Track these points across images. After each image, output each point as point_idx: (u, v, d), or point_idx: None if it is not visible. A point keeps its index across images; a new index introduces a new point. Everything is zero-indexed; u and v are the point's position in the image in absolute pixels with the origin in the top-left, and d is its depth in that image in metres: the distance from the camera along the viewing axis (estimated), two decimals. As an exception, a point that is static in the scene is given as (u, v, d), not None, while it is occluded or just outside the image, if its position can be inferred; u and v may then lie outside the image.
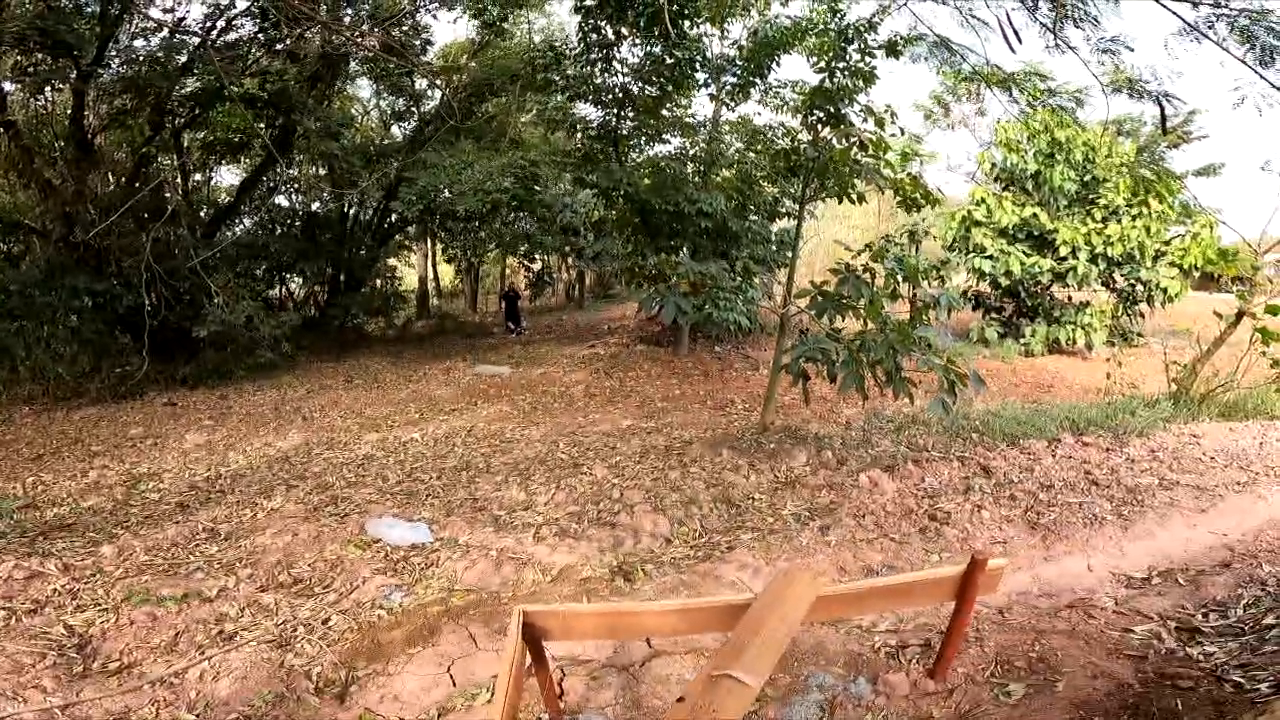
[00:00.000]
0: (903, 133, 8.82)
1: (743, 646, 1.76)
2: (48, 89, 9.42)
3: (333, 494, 5.02)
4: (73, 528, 4.54)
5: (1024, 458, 5.15)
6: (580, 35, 9.60)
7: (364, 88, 14.54)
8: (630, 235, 10.95)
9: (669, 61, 9.40)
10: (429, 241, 17.61)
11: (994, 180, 12.88)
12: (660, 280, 10.01)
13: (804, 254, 7.71)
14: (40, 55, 8.46)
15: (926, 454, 5.42)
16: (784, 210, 11.36)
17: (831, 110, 6.02)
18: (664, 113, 10.71)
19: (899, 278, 5.37)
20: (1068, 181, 11.21)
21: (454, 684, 2.72)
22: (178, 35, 9.26)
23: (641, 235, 10.53)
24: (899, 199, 6.33)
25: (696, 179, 10.74)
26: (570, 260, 16.46)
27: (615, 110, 10.37)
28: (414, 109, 13.94)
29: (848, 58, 5.91)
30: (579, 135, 11.43)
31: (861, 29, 5.88)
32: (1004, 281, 11.71)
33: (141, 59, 9.15)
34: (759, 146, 10.36)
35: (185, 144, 11.10)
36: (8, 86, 8.96)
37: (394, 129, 15.01)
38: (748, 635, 1.81)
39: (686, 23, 9.14)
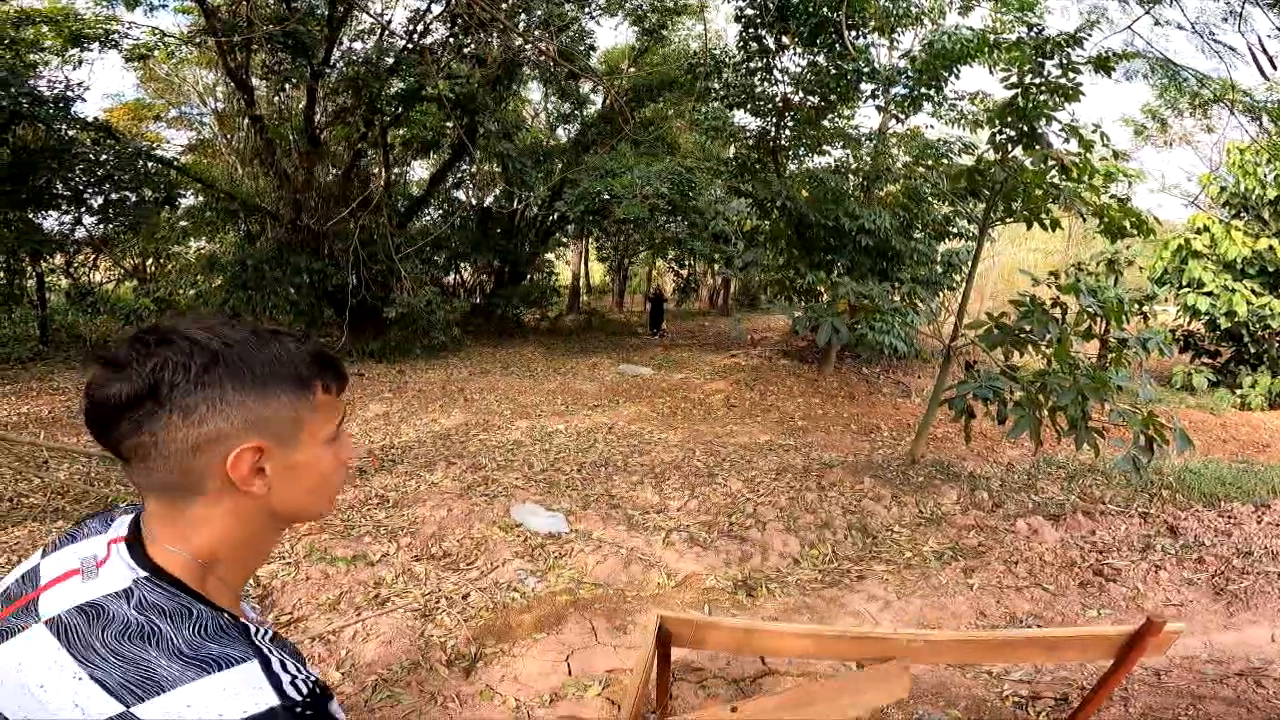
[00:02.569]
0: (1115, 156, 7.86)
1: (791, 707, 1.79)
2: (287, 86, 11.07)
3: (484, 474, 5.44)
4: None
5: (1222, 521, 4.50)
6: (740, 43, 9.59)
7: (534, 91, 15.54)
8: (784, 248, 10.77)
9: (833, 72, 9.13)
10: (584, 240, 18.47)
11: (1221, 206, 11.07)
12: (811, 296, 9.81)
13: (977, 278, 7.10)
14: (282, 55, 9.96)
15: (1101, 506, 4.88)
16: (955, 230, 10.58)
17: (1024, 129, 5.51)
18: (825, 123, 10.42)
19: (1094, 313, 4.82)
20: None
21: (570, 672, 2.84)
22: (386, 39, 10.50)
23: (796, 249, 10.32)
24: (1101, 226, 5.65)
25: (858, 194, 10.33)
26: (718, 268, 16.50)
27: (774, 120, 10.25)
28: (578, 113, 14.68)
29: (1045, 73, 5.37)
30: (735, 144, 11.43)
31: (1063, 43, 5.32)
32: (1224, 323, 10.04)
33: (359, 60, 10.43)
34: (930, 161, 9.75)
35: (389, 140, 12.43)
36: (256, 83, 10.65)
37: (559, 131, 15.91)
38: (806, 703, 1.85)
39: (853, 33, 8.83)
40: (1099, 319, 5.08)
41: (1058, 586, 3.76)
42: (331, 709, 0.68)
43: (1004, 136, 5.63)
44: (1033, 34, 5.64)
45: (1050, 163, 5.41)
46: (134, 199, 10.57)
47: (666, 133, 13.59)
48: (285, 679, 0.64)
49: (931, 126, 10.74)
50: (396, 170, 14.08)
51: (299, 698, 0.63)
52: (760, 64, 9.73)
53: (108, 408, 0.61)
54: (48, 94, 8.90)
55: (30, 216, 9.76)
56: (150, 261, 15.37)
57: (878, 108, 10.34)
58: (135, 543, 0.69)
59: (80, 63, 10.08)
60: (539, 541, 4.16)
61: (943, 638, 2.28)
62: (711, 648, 2.71)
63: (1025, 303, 4.70)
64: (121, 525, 0.72)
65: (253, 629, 0.68)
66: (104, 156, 10.03)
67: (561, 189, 12.31)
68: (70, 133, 9.39)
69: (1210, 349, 10.99)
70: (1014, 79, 5.41)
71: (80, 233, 10.95)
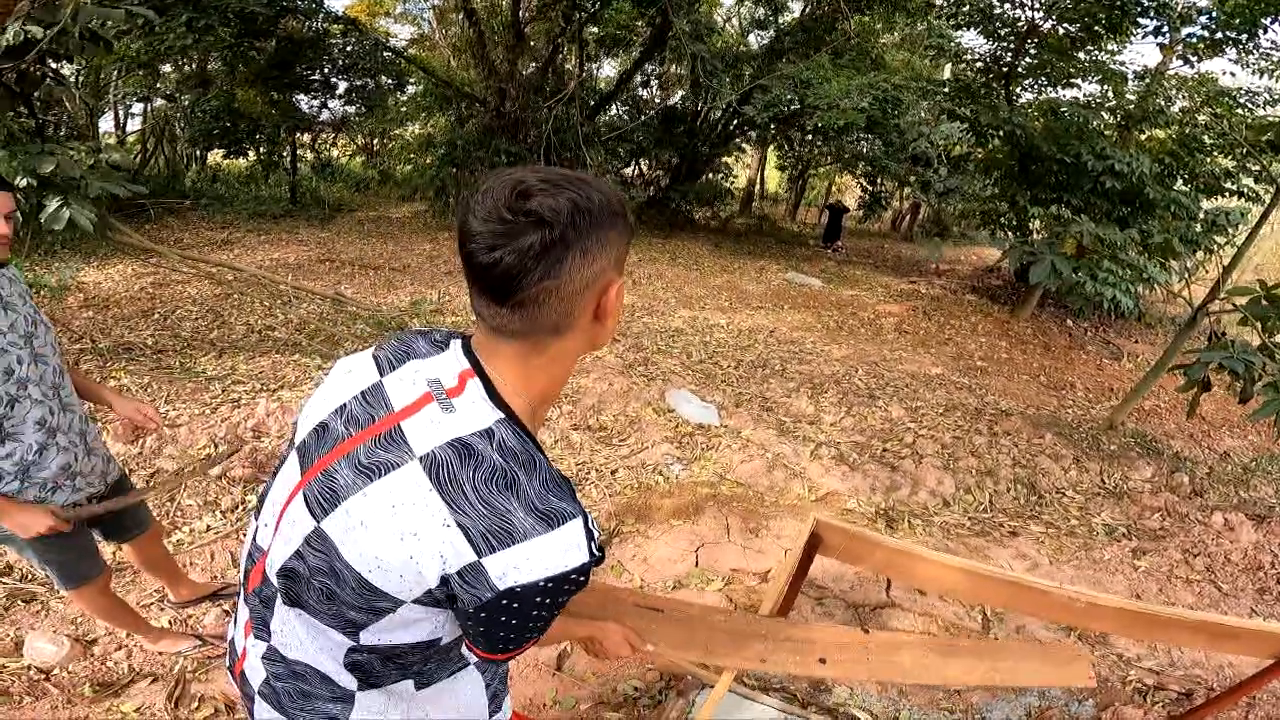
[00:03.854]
0: None
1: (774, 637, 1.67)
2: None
3: (645, 355, 5.63)
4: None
5: None
6: None
7: None
8: (999, 178, 9.65)
9: (1105, 2, 7.65)
10: (765, 147, 17.66)
11: None
12: (1023, 232, 8.78)
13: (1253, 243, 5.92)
14: None
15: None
16: (1234, 188, 8.86)
17: None
18: (1081, 55, 8.88)
19: None
20: None
21: (697, 564, 2.93)
22: None
23: (1017, 181, 9.20)
24: None
25: (1111, 133, 8.86)
26: (909, 190, 15.08)
27: (1012, 44, 8.96)
28: (773, 18, 13.71)
29: None
30: (956, 65, 10.15)
31: None
32: None
33: None
34: (1220, 110, 8.10)
35: (585, 37, 12.57)
36: None
37: (751, 38, 15.04)
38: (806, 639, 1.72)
39: None
40: None
41: (1233, 587, 3.35)
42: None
43: None
44: None
45: None
46: (372, 85, 11.95)
47: (872, 47, 12.33)
48: (597, 536, 0.70)
49: (1232, 74, 8.83)
50: (590, 65, 14.25)
51: (598, 554, 0.69)
52: None
53: (525, 256, 0.61)
54: None
55: (291, 99, 11.32)
56: (376, 140, 17.38)
57: (1160, 45, 8.66)
58: (486, 378, 0.70)
59: None
60: (689, 430, 4.28)
61: (1108, 603, 2.06)
62: (859, 563, 2.71)
63: None
64: (460, 354, 0.73)
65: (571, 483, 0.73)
66: (350, 47, 11.25)
67: (750, 94, 11.76)
68: (324, 26, 10.54)
69: None
70: None
71: (325, 115, 12.58)
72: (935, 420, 5.13)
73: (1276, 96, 8.51)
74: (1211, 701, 2.14)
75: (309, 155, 13.88)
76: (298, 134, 12.18)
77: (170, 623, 2.31)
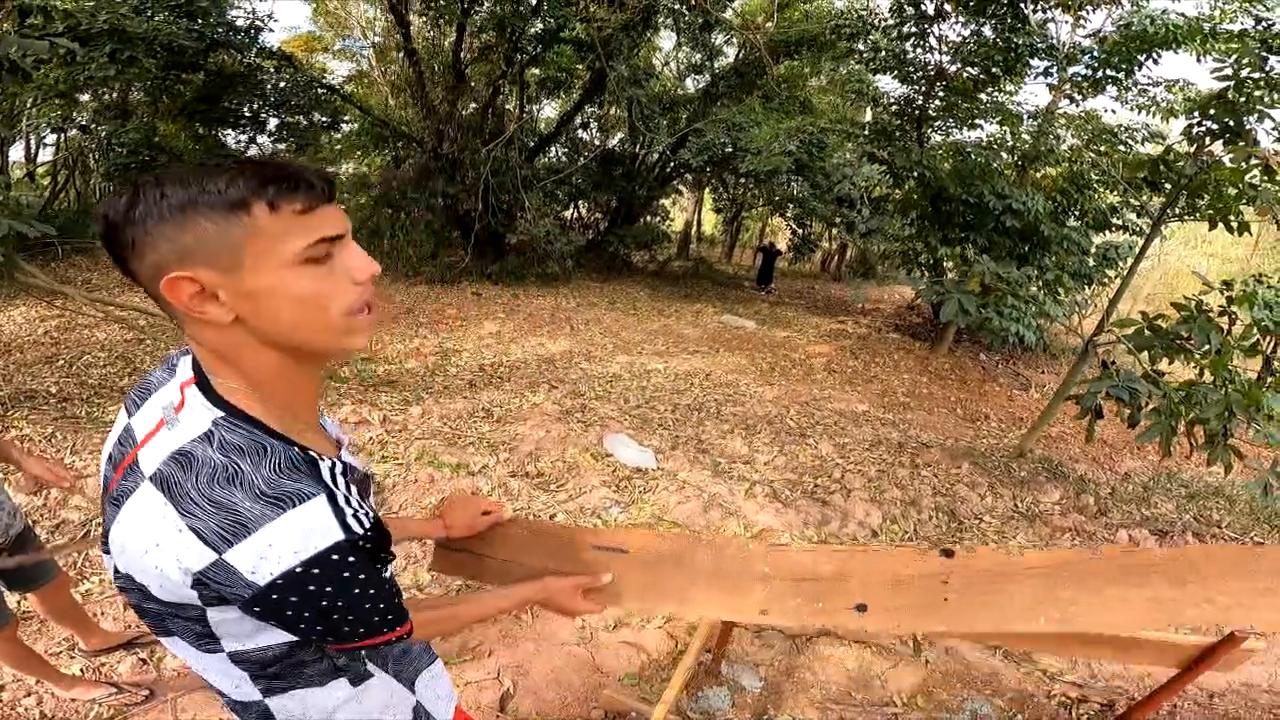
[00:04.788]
0: None
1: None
2: (441, 24, 11.59)
3: (582, 402, 5.69)
4: (395, 384, 5.49)
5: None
6: (895, 7, 8.96)
7: (665, 40, 15.31)
8: (915, 219, 10.26)
9: (1000, 45, 8.39)
10: (701, 189, 18.29)
11: None
12: (937, 271, 9.31)
13: (1135, 277, 6.50)
14: None
15: (1215, 530, 4.54)
16: (1119, 223, 9.66)
17: (1229, 124, 4.92)
18: (982, 96, 9.65)
19: (1268, 329, 4.35)
20: None
21: None
22: None
23: (929, 221, 9.80)
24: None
25: (1010, 172, 9.59)
26: (836, 232, 15.89)
27: (923, 88, 9.61)
28: (708, 64, 14.41)
29: (1268, 68, 4.74)
30: (875, 109, 10.84)
31: None
32: None
33: None
34: (1103, 147, 8.86)
35: (526, 79, 12.81)
36: (412, 19, 11.19)
37: (688, 82, 15.71)
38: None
39: (1031, 6, 8.03)
40: (1270, 335, 4.58)
41: None
42: (389, 537, 0.74)
43: (1203, 129, 5.06)
44: (1260, 27, 4.97)
45: (1253, 161, 4.82)
46: (305, 122, 11.70)
47: (799, 91, 13.09)
48: (349, 513, 0.67)
49: (1113, 111, 9.72)
50: (530, 107, 14.50)
51: (361, 531, 0.67)
52: (915, 30, 9.09)
53: (109, 253, 0.65)
54: (241, 24, 9.84)
55: (217, 134, 11.01)
56: (307, 177, 17.03)
57: (1049, 85, 9.49)
58: (203, 382, 0.71)
59: None
60: (626, 474, 4.34)
61: None
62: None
63: (1189, 308, 4.32)
64: (185, 367, 0.74)
65: (325, 464, 0.70)
66: (283, 83, 11.06)
67: (686, 138, 12.23)
68: (257, 60, 10.36)
69: None
70: (1228, 71, 4.81)
71: (253, 151, 12.27)
72: (862, 455, 5.37)
73: (1153, 132, 9.30)
74: (1131, 710, 2.29)
75: (234, 192, 13.43)
76: (225, 171, 11.91)
77: (82, 670, 2.22)
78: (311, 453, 0.70)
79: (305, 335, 0.67)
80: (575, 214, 15.58)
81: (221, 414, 0.68)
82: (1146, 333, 4.45)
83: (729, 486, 4.40)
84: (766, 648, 2.80)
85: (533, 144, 13.08)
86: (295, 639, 0.76)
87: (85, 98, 10.91)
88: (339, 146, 13.94)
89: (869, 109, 11.63)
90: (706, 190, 18.43)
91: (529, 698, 2.38)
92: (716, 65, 14.17)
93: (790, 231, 17.14)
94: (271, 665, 0.78)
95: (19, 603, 2.34)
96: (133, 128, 10.51)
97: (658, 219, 15.61)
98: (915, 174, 9.26)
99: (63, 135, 11.52)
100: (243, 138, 11.82)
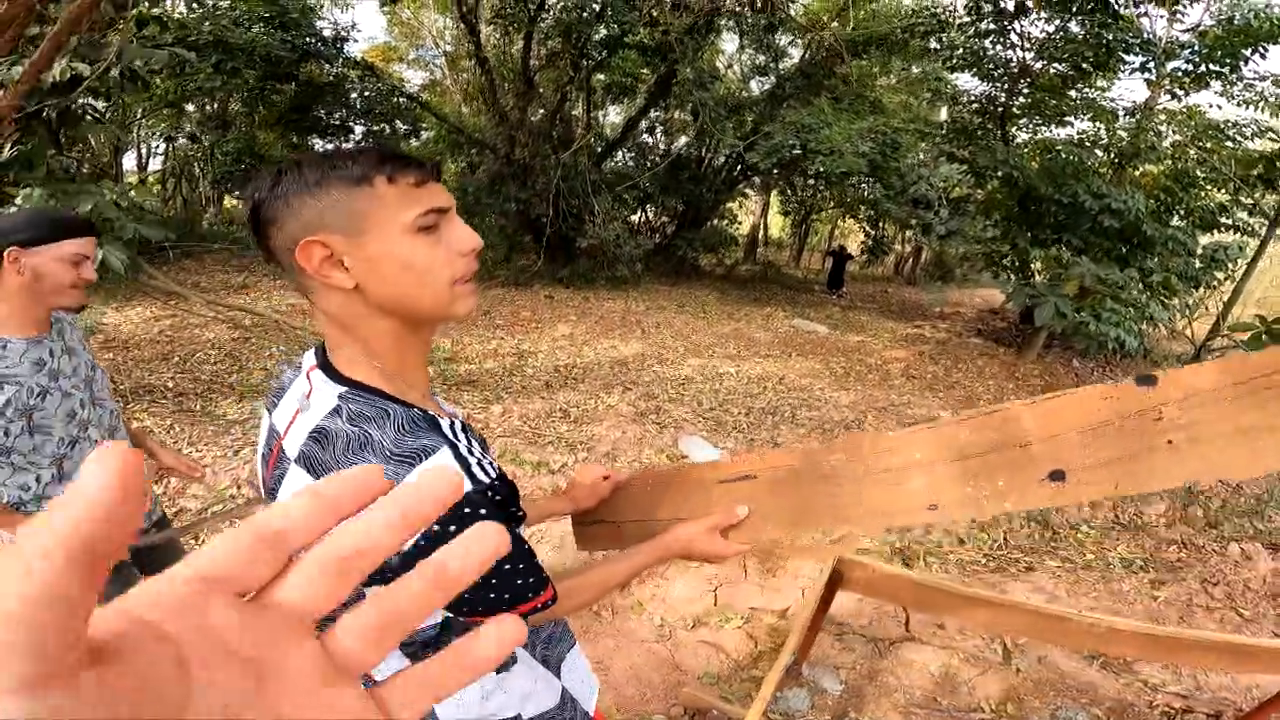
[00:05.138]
0: None
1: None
2: (510, 32, 11.92)
3: (656, 404, 5.70)
4: (476, 384, 5.66)
5: None
6: (971, 4, 8.63)
7: (729, 42, 15.20)
8: (1000, 219, 9.83)
9: (1090, 40, 7.96)
10: (768, 192, 18.07)
11: None
12: (1025, 273, 8.89)
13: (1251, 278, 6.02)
14: (508, 2, 10.66)
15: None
16: (1229, 222, 8.99)
17: None
18: (1072, 93, 9.17)
19: None
20: None
21: (715, 603, 3.00)
22: None
23: (1016, 222, 9.37)
24: None
25: (1106, 170, 9.07)
26: (911, 234, 15.38)
27: (1005, 85, 9.25)
28: (773, 65, 14.24)
29: None
30: (953, 107, 10.47)
31: None
32: None
33: (570, 5, 10.88)
34: (1209, 144, 8.27)
35: (592, 85, 13.00)
36: (483, 28, 11.56)
37: (753, 84, 15.57)
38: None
39: (1122, 1, 7.61)
40: None
41: (1254, 613, 3.35)
42: (517, 492, 0.75)
43: None
44: None
45: None
46: (388, 130, 12.27)
47: (870, 90, 12.76)
48: (473, 462, 0.70)
49: (1218, 106, 9.04)
50: (597, 113, 14.71)
51: (487, 480, 0.69)
52: (995, 26, 8.74)
53: (252, 229, 0.72)
54: (329, 35, 10.41)
55: (309, 142, 11.70)
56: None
57: (1147, 81, 8.92)
58: (327, 364, 0.76)
59: (347, 7, 11.71)
60: (703, 474, 4.38)
61: (1126, 626, 2.11)
62: (882, 596, 2.74)
63: None
64: (310, 356, 0.80)
65: (444, 421, 0.73)
66: (367, 92, 11.65)
67: (753, 141, 12.13)
68: (343, 70, 10.96)
69: None
70: None
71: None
72: (947, 461, 5.15)
73: (1264, 128, 8.69)
74: None
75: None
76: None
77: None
78: (430, 411, 0.73)
79: (415, 299, 0.72)
80: (643, 218, 15.69)
81: (345, 389, 0.72)
82: (1264, 337, 4.16)
83: (807, 490, 4.32)
84: (848, 651, 2.75)
85: (600, 149, 13.26)
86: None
87: (190, 108, 11.82)
88: (418, 154, 14.59)
89: (945, 108, 11.25)
90: (774, 193, 18.20)
91: (610, 693, 2.40)
92: (781, 67, 14.02)
93: (862, 234, 16.73)
94: (425, 650, 0.78)
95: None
96: (233, 137, 11.32)
97: (725, 222, 15.53)
98: (1000, 173, 8.91)
99: (171, 144, 12.50)
100: (331, 146, 12.56)
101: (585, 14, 10.41)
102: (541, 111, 12.04)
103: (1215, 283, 9.14)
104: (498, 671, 0.86)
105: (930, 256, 18.49)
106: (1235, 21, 7.56)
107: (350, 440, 0.68)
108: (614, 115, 16.99)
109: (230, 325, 6.27)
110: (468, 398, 5.25)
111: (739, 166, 13.92)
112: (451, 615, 0.76)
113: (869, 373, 8.09)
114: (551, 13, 10.87)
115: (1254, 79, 8.32)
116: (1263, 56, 7.77)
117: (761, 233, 20.47)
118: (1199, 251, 8.95)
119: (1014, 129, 10.06)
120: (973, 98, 10.37)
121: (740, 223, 17.43)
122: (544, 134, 11.26)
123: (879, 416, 6.29)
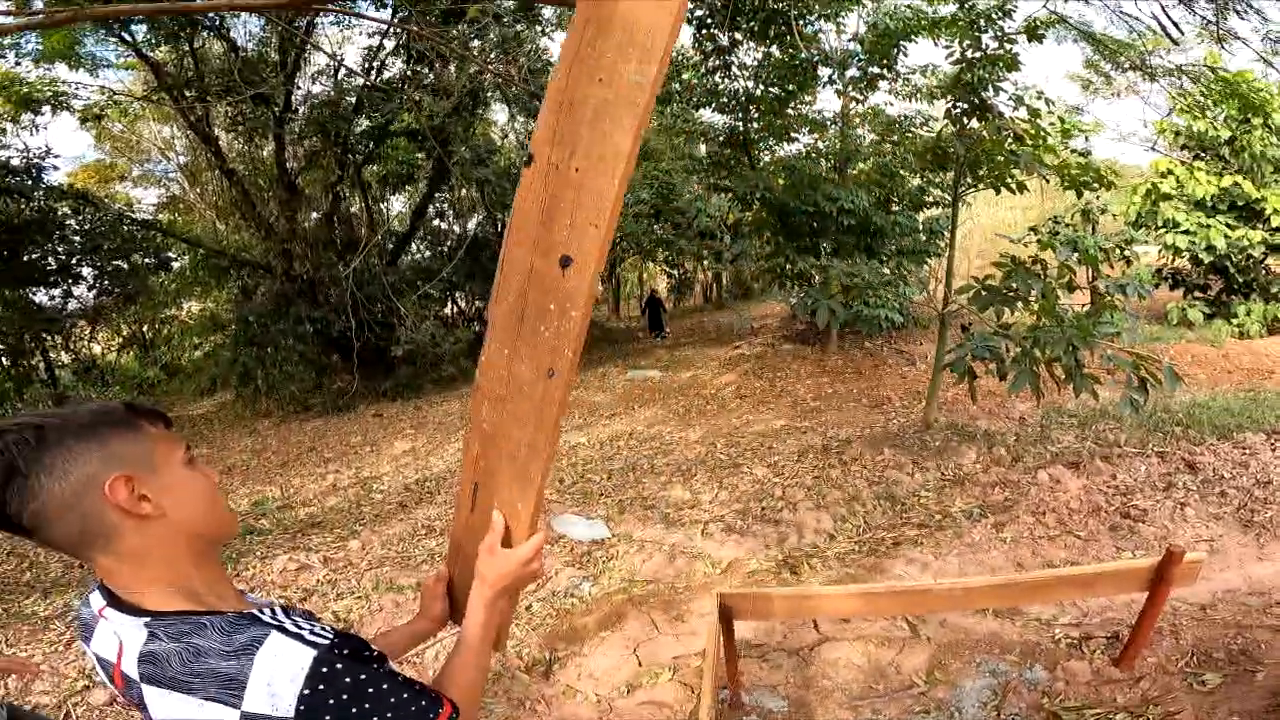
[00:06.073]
0: (1065, 114, 8.10)
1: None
2: (255, 137, 11.07)
3: (518, 493, 5.55)
4: (322, 525, 5.30)
5: (1237, 452, 4.61)
6: (695, 44, 9.82)
7: (499, 113, 15.68)
8: (769, 237, 10.97)
9: (788, 62, 9.36)
10: (571, 253, 18.64)
11: (1180, 149, 11.37)
12: (804, 280, 9.95)
13: (959, 242, 7.29)
14: (242, 105, 9.87)
15: (1118, 449, 5.02)
16: (932, 200, 10.82)
17: (975, 101, 5.72)
18: (790, 111, 10.64)
19: (1074, 264, 4.98)
20: (1271, 147, 9.75)
21: (640, 664, 3.00)
22: (345, 79, 10.47)
23: (781, 236, 10.52)
24: (1065, 184, 5.84)
25: (832, 175, 10.56)
26: (707, 263, 16.69)
27: (740, 114, 10.47)
28: (546, 130, 14.87)
29: (983, 46, 5.62)
30: (706, 142, 11.61)
31: (994, 16, 5.59)
32: (1205, 257, 10.30)
33: (321, 101, 10.48)
34: (895, 137, 9.98)
35: (365, 179, 12.53)
36: (220, 135, 10.68)
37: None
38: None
39: (801, 21, 9.09)
40: (1081, 268, 5.21)
41: (1088, 532, 3.85)
42: (363, 640, 0.77)
43: (958, 109, 5.83)
44: (964, 8, 5.84)
45: (1005, 131, 5.60)
46: (126, 266, 10.53)
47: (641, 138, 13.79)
48: (305, 634, 0.72)
49: (891, 103, 10.97)
50: (377, 208, 14.22)
51: (326, 641, 0.72)
52: (718, 62, 9.93)
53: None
54: (19, 164, 8.90)
55: (27, 294, 9.77)
56: (147, 328, 15.34)
57: (836, 91, 10.58)
58: (117, 601, 0.76)
59: (36, 128, 9.99)
60: (585, 549, 4.31)
61: (979, 584, 2.47)
62: (771, 617, 2.87)
63: (1006, 263, 4.85)
64: (96, 598, 0.80)
65: (263, 614, 0.75)
66: (86, 225, 9.97)
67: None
68: (48, 202, 9.34)
69: (1199, 283, 11.23)
70: (956, 53, 5.60)
71: (72, 304, 10.87)
72: (794, 468, 5.57)
73: (926, 117, 10.47)
74: (1133, 639, 2.42)
75: (63, 358, 11.98)
76: (45, 336, 10.53)
77: None
78: (244, 610, 0.76)
79: (211, 520, 0.80)
80: (454, 309, 15.30)
81: (147, 617, 0.74)
82: (982, 293, 4.90)
83: (685, 533, 4.43)
84: (775, 669, 2.82)
85: (391, 246, 12.81)
86: None
87: None
88: (174, 286, 12.84)
89: (701, 143, 12.34)
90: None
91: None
92: (554, 131, 14.60)
93: (666, 275, 17.80)
94: None
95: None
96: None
97: (539, 293, 15.59)
98: (757, 196, 9.93)
99: None
100: (56, 293, 10.45)
101: (339, 109, 10.08)
102: (315, 216, 11.35)
103: (941, 251, 10.90)
104: None
105: (730, 279, 20.10)
106: (878, 26, 9.07)
107: (183, 653, 0.70)
108: (398, 205, 16.50)
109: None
110: (318, 540, 4.84)
111: (537, 236, 14.17)
112: None
113: (707, 404, 8.55)
114: (300, 112, 10.35)
115: (907, 74, 10.05)
116: (905, 54, 9.41)
117: (574, 293, 20.93)
118: (920, 228, 10.68)
119: (757, 152, 11.25)
120: (718, 130, 11.46)
121: (553, 290, 17.69)
122: (323, 241, 10.60)
123: (727, 442, 6.65)
